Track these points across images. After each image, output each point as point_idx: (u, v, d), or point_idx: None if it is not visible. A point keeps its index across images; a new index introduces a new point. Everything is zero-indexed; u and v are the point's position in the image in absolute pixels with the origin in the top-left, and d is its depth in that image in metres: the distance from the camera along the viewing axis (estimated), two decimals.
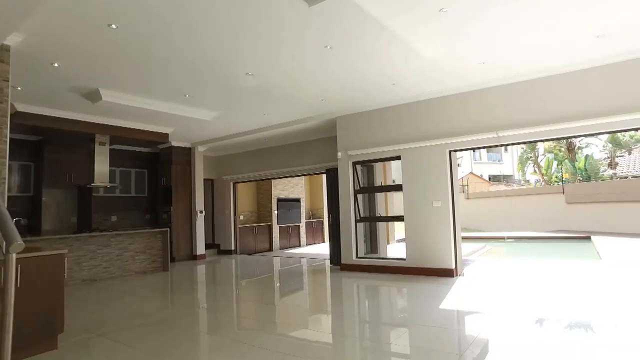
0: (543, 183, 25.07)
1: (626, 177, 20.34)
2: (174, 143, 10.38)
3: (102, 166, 8.11)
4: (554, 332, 3.76)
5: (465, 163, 32.17)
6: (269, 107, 7.42)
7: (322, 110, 7.74)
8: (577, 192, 16.04)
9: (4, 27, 3.94)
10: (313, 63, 5.32)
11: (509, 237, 13.78)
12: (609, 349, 3.28)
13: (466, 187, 20.90)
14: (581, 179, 22.07)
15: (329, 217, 8.47)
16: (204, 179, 11.20)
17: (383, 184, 9.05)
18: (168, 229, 8.79)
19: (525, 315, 4.35)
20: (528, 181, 29.17)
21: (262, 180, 11.61)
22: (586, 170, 22.73)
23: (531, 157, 27.16)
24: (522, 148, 28.56)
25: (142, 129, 8.33)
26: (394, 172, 9.87)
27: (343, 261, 7.73)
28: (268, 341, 3.81)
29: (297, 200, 13.39)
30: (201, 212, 10.78)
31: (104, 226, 9.48)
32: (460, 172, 20.97)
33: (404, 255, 7.08)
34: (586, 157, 24.00)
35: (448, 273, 6.49)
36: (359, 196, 7.85)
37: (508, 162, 37.12)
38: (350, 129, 7.75)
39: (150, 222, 10.79)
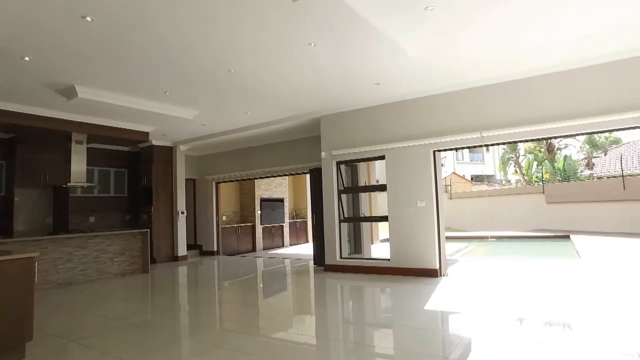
0: (524, 183, 25.50)
1: (602, 178, 20.84)
2: (155, 142, 10.15)
3: (79, 165, 7.84)
4: (537, 332, 3.76)
5: (448, 163, 32.51)
6: (252, 105, 7.30)
7: (306, 109, 7.65)
8: (556, 192, 16.33)
9: None
10: (296, 60, 5.23)
11: (492, 237, 13.94)
12: (591, 348, 3.28)
13: (449, 187, 21.08)
14: (560, 179, 22.53)
15: (312, 217, 8.39)
16: (186, 179, 11.00)
17: (367, 184, 9.01)
18: (148, 229, 8.57)
19: (509, 316, 4.34)
20: (509, 181, 29.65)
21: (245, 180, 11.46)
22: (565, 170, 23.21)
23: (512, 157, 27.62)
24: (504, 148, 29.01)
25: (121, 127, 8.10)
26: (378, 172, 9.85)
27: (327, 262, 7.66)
28: (250, 345, 3.71)
29: (281, 201, 13.27)
30: (183, 212, 10.57)
31: (82, 227, 9.20)
32: (443, 172, 21.15)
33: (388, 256, 7.05)
34: (565, 157, 24.52)
35: (432, 273, 6.48)
36: (343, 196, 7.79)
37: (490, 163, 37.67)
38: (334, 128, 7.68)
39: (130, 223, 10.53)
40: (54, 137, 7.87)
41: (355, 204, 8.48)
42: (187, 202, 10.94)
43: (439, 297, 5.29)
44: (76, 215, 9.23)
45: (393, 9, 4.02)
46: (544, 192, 16.32)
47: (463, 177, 30.18)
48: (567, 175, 22.84)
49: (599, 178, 21.01)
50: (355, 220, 8.33)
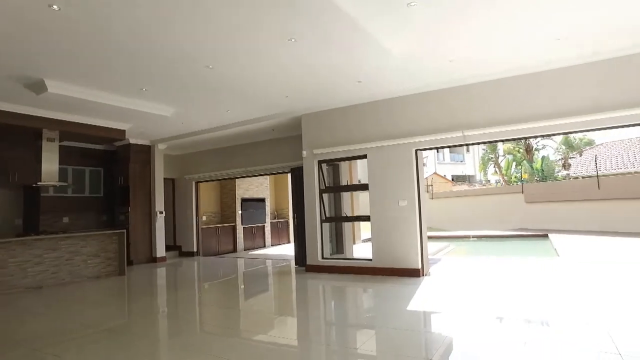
0: (503, 183, 25.93)
1: (577, 178, 21.34)
2: (132, 140, 9.87)
3: (50, 164, 7.53)
4: (520, 331, 3.74)
5: (430, 164, 32.85)
6: (232, 103, 7.14)
7: (287, 107, 7.53)
8: (535, 191, 16.61)
9: None
10: (276, 56, 5.10)
11: (473, 236, 14.07)
12: (572, 347, 3.27)
13: (431, 187, 21.25)
14: (538, 179, 22.98)
15: (294, 217, 8.28)
16: (165, 179, 10.74)
17: (349, 184, 8.95)
18: (125, 230, 8.31)
19: (491, 316, 4.33)
20: (489, 181, 30.12)
21: (226, 179, 11.27)
22: (543, 170, 23.70)
23: (492, 158, 28.08)
24: (484, 149, 29.49)
25: (96, 124, 7.82)
26: (361, 172, 9.80)
27: (308, 262, 7.55)
28: (229, 349, 3.58)
29: (262, 200, 13.10)
30: (161, 212, 10.31)
31: (55, 228, 8.86)
32: (425, 173, 21.31)
33: (370, 256, 6.99)
34: (543, 158, 25.04)
35: (414, 273, 6.44)
36: (325, 196, 7.70)
37: (470, 163, 38.25)
38: (315, 127, 7.59)
39: (107, 223, 10.22)
40: (23, 134, 7.55)
41: (337, 204, 8.40)
42: (166, 202, 10.68)
43: (421, 297, 5.25)
44: (49, 216, 8.90)
45: (376, 4, 3.95)
46: (523, 192, 16.58)
47: (444, 177, 30.52)
48: (545, 175, 23.33)
49: (574, 178, 21.52)
50: (337, 220, 8.26)
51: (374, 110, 6.96)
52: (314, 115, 7.59)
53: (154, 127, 8.65)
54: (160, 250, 10.25)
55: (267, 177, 13.30)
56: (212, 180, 11.31)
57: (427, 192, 20.32)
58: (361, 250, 8.98)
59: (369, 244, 7.16)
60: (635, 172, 18.39)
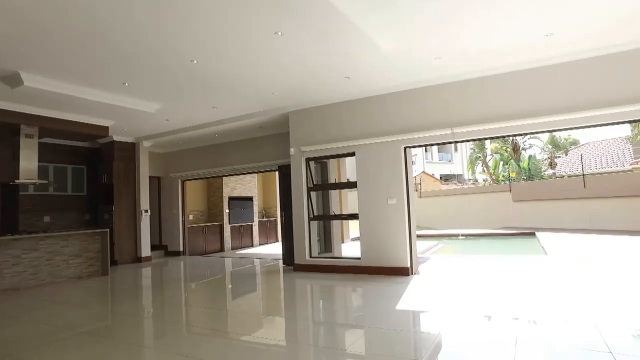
0: (491, 182, 26.12)
1: (563, 177, 21.60)
2: (116, 137, 9.65)
3: (29, 161, 7.27)
4: (509, 330, 3.67)
5: (418, 162, 32.97)
6: (218, 99, 6.99)
7: (275, 104, 7.41)
8: (522, 190, 16.73)
9: None
10: (262, 51, 4.98)
11: (462, 235, 14.11)
12: (562, 345, 3.22)
13: (419, 186, 21.30)
14: (525, 178, 23.20)
15: (281, 215, 8.16)
16: (150, 177, 10.54)
17: (337, 182, 8.86)
18: (108, 229, 8.10)
19: (481, 315, 4.27)
20: (477, 180, 30.33)
21: (213, 177, 11.10)
22: (530, 169, 23.95)
23: (480, 157, 28.27)
24: (472, 148, 29.68)
25: (77, 120, 7.60)
26: (349, 170, 9.72)
27: (296, 261, 7.44)
28: (214, 350, 3.45)
29: (250, 199, 12.94)
30: (146, 211, 10.11)
31: (35, 228, 8.62)
32: (414, 171, 21.35)
33: (358, 254, 6.91)
34: (530, 157, 25.31)
35: (403, 272, 6.38)
36: (313, 194, 7.60)
37: (458, 162, 38.52)
38: (303, 124, 7.48)
39: (90, 222, 9.98)
40: None
41: (325, 202, 8.30)
42: (151, 200, 10.48)
43: (410, 296, 5.18)
44: (29, 215, 8.64)
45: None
46: (510, 191, 16.68)
47: (433, 176, 30.66)
48: (532, 174, 23.58)
49: (560, 177, 21.78)
50: (325, 219, 8.16)
51: (362, 107, 6.87)
52: (301, 112, 7.47)
53: (139, 123, 8.45)
54: (146, 250, 10.06)
55: (255, 175, 13.16)
56: (199, 179, 11.13)
57: (416, 190, 20.36)
58: (350, 249, 8.90)
59: (358, 242, 7.07)
60: (620, 171, 18.68)
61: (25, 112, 6.86)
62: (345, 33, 4.57)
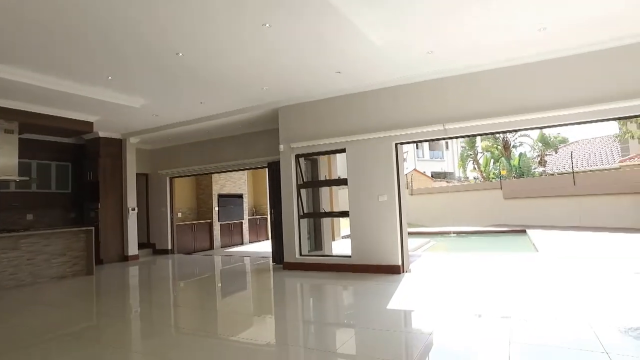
0: (482, 179, 26.21)
1: (553, 174, 21.75)
2: (102, 134, 9.42)
3: (8, 157, 7.02)
4: (502, 329, 3.59)
5: (409, 160, 33.01)
6: (206, 94, 6.82)
7: (264, 99, 7.25)
8: (513, 188, 16.77)
9: None
10: (249, 43, 4.83)
11: (454, 232, 14.09)
12: (557, 346, 3.14)
13: (410, 184, 21.27)
14: (516, 175, 23.31)
15: (270, 213, 8.02)
16: (137, 174, 10.33)
17: (328, 178, 8.74)
18: (93, 227, 7.89)
19: (474, 314, 4.18)
20: (468, 178, 30.44)
21: (202, 175, 10.92)
22: (520, 167, 24.07)
23: (471, 154, 28.36)
24: (463, 146, 29.77)
25: (59, 115, 7.37)
26: (340, 168, 9.60)
27: (286, 259, 7.31)
28: (202, 351, 3.32)
29: (240, 196, 12.78)
30: (133, 209, 9.91)
31: (18, 226, 8.37)
32: (405, 169, 21.30)
33: (349, 252, 6.80)
34: (520, 155, 25.44)
35: (395, 270, 6.29)
36: (303, 191, 7.47)
37: (449, 160, 38.65)
38: (293, 120, 7.34)
39: (76, 220, 9.75)
40: None
41: (315, 200, 8.18)
42: (138, 198, 10.28)
43: (401, 295, 5.08)
44: (10, 213, 8.40)
45: None
46: (501, 188, 16.72)
47: (424, 173, 30.67)
48: (522, 172, 23.69)
49: (550, 174, 21.91)
50: (315, 216, 8.04)
51: (353, 103, 6.75)
52: (291, 107, 7.33)
53: (124, 119, 8.24)
54: (133, 248, 9.86)
55: (245, 172, 13.01)
56: (188, 176, 10.94)
57: (407, 188, 20.33)
58: (341, 246, 8.80)
59: (349, 240, 6.97)
60: (608, 169, 18.84)
61: (4, 106, 6.62)
62: (336, 25, 4.44)
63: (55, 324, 4.53)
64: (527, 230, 12.55)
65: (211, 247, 11.67)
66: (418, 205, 18.90)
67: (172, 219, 10.85)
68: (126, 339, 4.03)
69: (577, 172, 16.37)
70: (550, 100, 5.38)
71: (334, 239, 9.73)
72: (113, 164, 9.69)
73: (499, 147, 25.93)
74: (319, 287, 6.16)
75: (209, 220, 11.80)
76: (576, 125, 5.65)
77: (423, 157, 37.29)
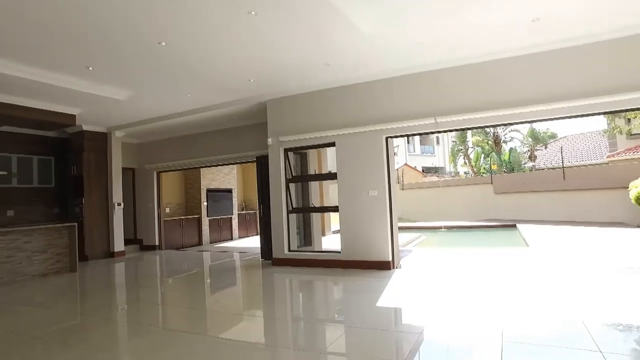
0: (472, 174, 26.28)
1: (543, 169, 21.87)
2: (86, 127, 9.17)
3: None
4: (495, 327, 3.50)
5: (400, 154, 32.96)
6: (191, 86, 6.63)
7: (252, 92, 7.08)
8: (503, 182, 16.79)
9: None
10: (236, 32, 4.65)
11: (445, 227, 14.07)
12: (552, 345, 3.06)
13: (401, 179, 21.22)
14: (506, 170, 23.40)
15: (259, 208, 7.88)
16: (124, 168, 10.10)
17: (317, 173, 8.61)
18: (76, 223, 7.68)
19: (465, 311, 4.10)
20: (459, 173, 30.51)
21: (190, 169, 10.72)
22: (510, 162, 24.16)
23: (462, 149, 28.40)
24: (454, 141, 29.80)
25: (39, 107, 7.12)
26: (330, 162, 9.47)
27: (274, 255, 7.18)
28: (190, 350, 3.18)
29: (229, 191, 12.59)
30: (119, 204, 9.69)
31: None
32: (396, 164, 21.22)
33: (339, 248, 6.69)
34: (510, 150, 25.53)
35: (385, 266, 6.19)
36: (292, 186, 7.33)
37: (440, 155, 38.73)
38: (281, 113, 7.18)
39: (60, 216, 9.51)
40: None
41: (305, 194, 8.06)
42: (125, 193, 10.07)
43: (392, 292, 4.98)
44: None
45: None
46: (492, 183, 16.73)
47: (415, 168, 30.67)
48: (513, 166, 23.79)
49: (540, 169, 22.03)
50: (304, 211, 7.91)
51: (343, 96, 6.61)
52: (280, 100, 7.17)
53: (108, 112, 8.01)
54: (119, 244, 9.66)
55: (235, 166, 12.83)
56: (175, 170, 10.74)
57: (398, 183, 20.28)
58: (331, 242, 8.69)
59: (339, 235, 6.85)
60: (597, 164, 18.98)
61: None
62: (324, 14, 4.29)
63: (32, 325, 4.35)
64: (518, 225, 12.56)
65: (200, 243, 11.50)
66: (409, 200, 18.87)
67: (159, 214, 10.66)
68: (108, 340, 3.86)
69: (567, 167, 16.43)
70: (541, 93, 5.29)
71: (324, 235, 9.62)
72: (98, 158, 9.45)
73: (490, 142, 26.00)
74: (308, 284, 6.04)
75: (197, 216, 11.61)
76: (566, 120, 5.58)
77: (414, 152, 37.31)
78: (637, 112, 13.54)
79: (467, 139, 27.77)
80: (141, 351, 3.45)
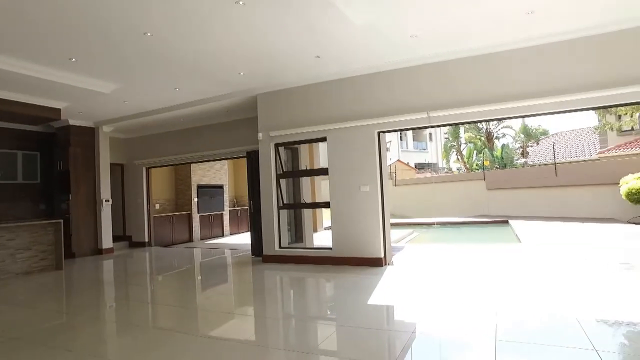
0: (465, 170, 26.34)
1: (535, 165, 21.95)
2: (72, 121, 8.97)
3: None
4: (488, 324, 3.43)
5: (393, 150, 32.95)
6: (180, 79, 6.48)
7: (242, 85, 6.94)
8: (496, 178, 16.80)
9: None
10: (224, 22, 4.51)
11: (437, 223, 14.04)
12: (547, 343, 2.99)
13: (394, 174, 21.18)
14: (499, 166, 23.48)
15: (249, 204, 7.75)
16: (112, 164, 9.93)
17: (309, 168, 8.50)
18: (62, 220, 7.49)
19: (458, 307, 4.03)
20: (451, 169, 30.58)
21: (180, 164, 10.55)
22: (503, 158, 24.25)
23: (454, 145, 28.44)
24: (446, 137, 29.84)
25: (22, 101, 6.92)
26: (322, 158, 9.36)
27: (265, 252, 7.07)
28: (180, 350, 3.07)
29: (220, 187, 12.44)
30: (107, 200, 9.51)
31: None
32: (388, 160, 21.18)
33: (330, 244, 6.59)
34: (503, 146, 25.63)
35: (377, 262, 6.11)
36: (283, 181, 7.21)
37: (433, 151, 38.79)
38: (272, 107, 7.05)
39: (46, 212, 9.32)
40: None
41: (296, 190, 7.94)
42: (113, 189, 9.89)
43: (383, 289, 4.90)
44: None
45: None
46: (484, 179, 16.74)
47: (407, 164, 30.66)
48: (505, 163, 23.87)
49: (532, 166, 22.11)
50: (295, 207, 7.80)
51: (334, 90, 6.50)
52: (270, 94, 7.04)
53: (95, 106, 7.82)
54: (107, 241, 9.49)
55: (226, 162, 12.67)
56: (165, 166, 10.55)
57: (391, 179, 20.23)
58: (323, 238, 8.60)
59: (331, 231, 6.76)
60: (588, 160, 19.08)
61: None
62: (316, 4, 4.16)
63: (16, 324, 4.21)
64: (510, 221, 12.56)
65: (190, 240, 11.35)
66: (401, 196, 18.83)
67: (149, 210, 10.48)
68: (96, 340, 3.72)
69: (558, 164, 16.48)
70: (535, 88, 5.23)
71: (315, 231, 9.53)
72: (85, 154, 9.25)
73: (482, 138, 26.06)
74: (299, 281, 5.95)
75: (188, 212, 11.45)
76: (558, 115, 5.53)
77: (407, 148, 37.31)
78: (628, 108, 13.60)
79: (459, 135, 27.80)
80: (130, 351, 3.34)
